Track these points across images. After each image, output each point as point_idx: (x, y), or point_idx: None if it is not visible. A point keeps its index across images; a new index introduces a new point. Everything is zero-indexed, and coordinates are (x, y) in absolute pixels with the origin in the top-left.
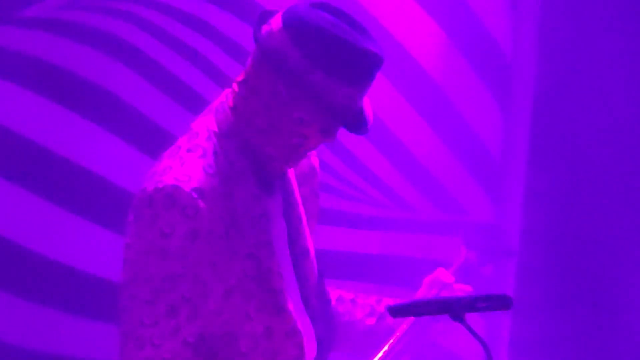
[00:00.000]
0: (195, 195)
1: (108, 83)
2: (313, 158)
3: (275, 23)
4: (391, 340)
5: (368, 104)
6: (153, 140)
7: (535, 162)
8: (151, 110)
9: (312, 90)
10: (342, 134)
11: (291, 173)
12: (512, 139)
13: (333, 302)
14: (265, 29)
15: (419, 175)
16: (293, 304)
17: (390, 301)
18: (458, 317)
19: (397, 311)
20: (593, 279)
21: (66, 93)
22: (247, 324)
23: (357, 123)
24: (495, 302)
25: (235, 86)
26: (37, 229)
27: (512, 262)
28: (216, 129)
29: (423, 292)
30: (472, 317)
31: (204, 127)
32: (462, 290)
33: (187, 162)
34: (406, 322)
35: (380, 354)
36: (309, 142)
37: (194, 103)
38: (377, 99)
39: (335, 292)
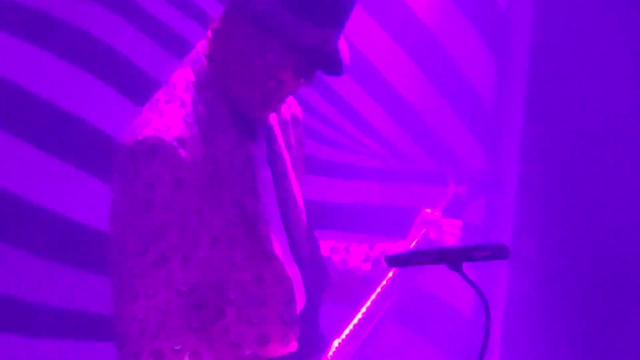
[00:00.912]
0: (176, 145)
1: (97, 30)
2: (295, 107)
3: None
4: (379, 289)
5: (344, 45)
6: (144, 89)
7: (531, 113)
8: (141, 58)
9: (282, 32)
10: (334, 81)
11: (274, 121)
12: (507, 89)
13: (327, 253)
14: None
15: (414, 123)
16: (281, 251)
17: (383, 246)
18: (455, 267)
19: (394, 261)
20: (591, 229)
21: (56, 41)
22: (235, 272)
23: (330, 64)
24: (493, 252)
25: (210, 34)
26: (28, 176)
27: (509, 213)
28: (193, 79)
29: (413, 234)
30: (469, 267)
31: (182, 78)
32: (451, 225)
33: (166, 113)
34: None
35: (368, 303)
36: (285, 86)
37: (186, 52)
38: (373, 47)
39: (328, 242)
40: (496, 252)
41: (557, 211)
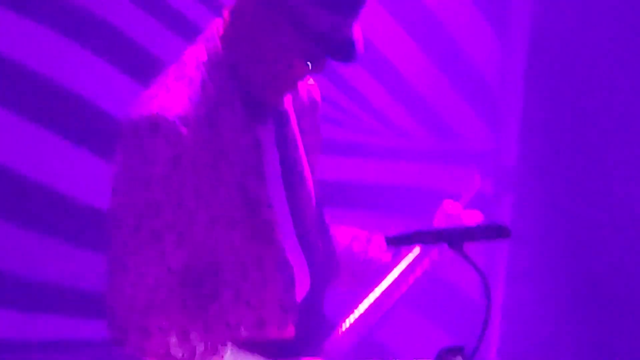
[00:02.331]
0: (178, 123)
1: (100, 8)
2: (315, 91)
3: None
4: (392, 276)
5: (359, 34)
6: (147, 69)
7: (531, 90)
8: (144, 37)
9: (293, 14)
10: (341, 67)
11: (289, 104)
12: (508, 67)
13: (348, 241)
14: None
15: (416, 103)
16: (283, 235)
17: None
18: (456, 247)
19: (396, 241)
20: (591, 207)
21: (61, 20)
22: (233, 254)
23: (341, 52)
24: (493, 232)
25: (225, 14)
26: (26, 153)
27: (509, 192)
28: (205, 58)
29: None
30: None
31: (193, 56)
32: (472, 217)
33: (173, 91)
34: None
35: (381, 286)
36: (294, 71)
37: (188, 31)
38: (374, 27)
39: (351, 231)
40: (497, 233)
41: (558, 191)
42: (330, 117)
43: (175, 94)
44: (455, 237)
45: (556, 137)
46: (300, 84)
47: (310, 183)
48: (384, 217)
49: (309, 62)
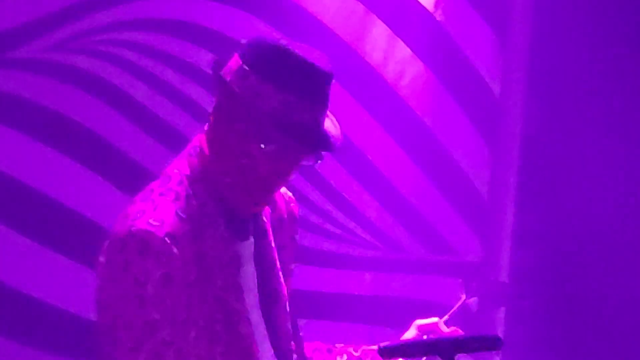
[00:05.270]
0: (168, 241)
1: (87, 120)
2: (293, 205)
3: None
4: None
5: (333, 127)
6: (136, 181)
7: (523, 201)
8: (135, 151)
9: (249, 94)
10: (328, 173)
11: (267, 218)
12: (500, 178)
13: (310, 353)
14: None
15: (408, 215)
16: (261, 349)
17: (368, 350)
18: (448, 358)
19: (388, 352)
20: (583, 320)
21: (54, 135)
22: None
23: (310, 140)
24: (486, 343)
25: (206, 128)
26: (19, 267)
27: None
28: (188, 173)
29: (411, 335)
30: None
31: (177, 170)
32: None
33: (160, 206)
34: None
35: None
36: (266, 177)
37: (173, 141)
38: (366, 139)
39: (313, 344)
40: (489, 344)
41: (550, 300)
42: (321, 227)
43: (162, 209)
44: (447, 348)
45: (548, 249)
46: (278, 198)
47: (285, 297)
48: (370, 328)
49: (267, 147)
